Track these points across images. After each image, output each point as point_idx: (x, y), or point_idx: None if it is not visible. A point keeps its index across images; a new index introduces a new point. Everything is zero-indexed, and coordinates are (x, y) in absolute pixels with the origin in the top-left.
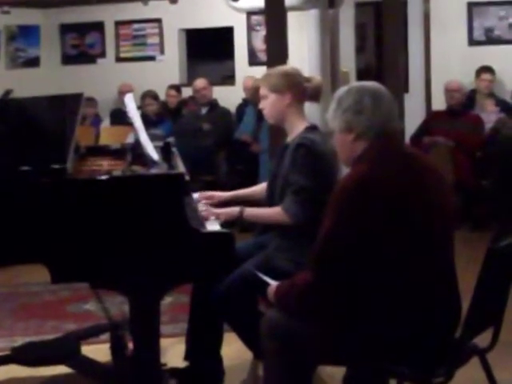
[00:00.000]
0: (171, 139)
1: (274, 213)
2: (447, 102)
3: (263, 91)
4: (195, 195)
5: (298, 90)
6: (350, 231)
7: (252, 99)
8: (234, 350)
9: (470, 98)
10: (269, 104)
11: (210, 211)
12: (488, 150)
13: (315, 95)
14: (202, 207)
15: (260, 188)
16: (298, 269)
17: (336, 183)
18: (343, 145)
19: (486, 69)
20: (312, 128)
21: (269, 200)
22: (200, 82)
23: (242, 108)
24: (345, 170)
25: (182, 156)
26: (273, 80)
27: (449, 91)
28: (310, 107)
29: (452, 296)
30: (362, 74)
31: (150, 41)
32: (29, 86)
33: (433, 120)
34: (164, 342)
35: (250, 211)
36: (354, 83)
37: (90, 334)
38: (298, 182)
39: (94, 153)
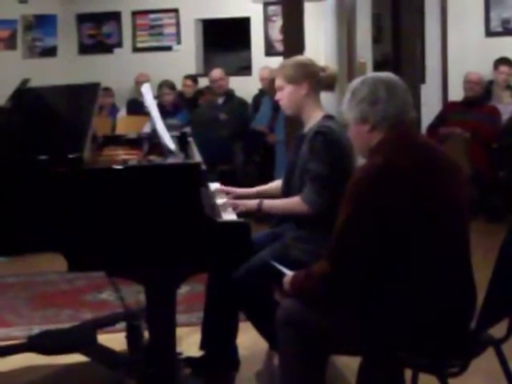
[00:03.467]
0: (187, 129)
1: (292, 203)
2: (466, 93)
3: (279, 82)
4: (212, 186)
5: (314, 79)
6: (365, 222)
7: (268, 90)
8: (249, 340)
9: (487, 90)
10: (286, 95)
11: (227, 201)
12: (504, 141)
13: (330, 84)
14: (218, 198)
15: (279, 184)
16: (314, 259)
17: (352, 173)
18: (359, 136)
19: (505, 61)
20: (329, 117)
21: (285, 189)
22: (216, 73)
23: (258, 98)
24: (361, 161)
25: (198, 146)
26: (289, 71)
27: (468, 83)
28: (325, 98)
29: (467, 287)
30: (378, 65)
31: (166, 31)
32: (46, 76)
33: (449, 111)
34: (180, 331)
35: (269, 203)
36: (368, 74)
37: (106, 322)
38: (315, 170)
39: (110, 142)
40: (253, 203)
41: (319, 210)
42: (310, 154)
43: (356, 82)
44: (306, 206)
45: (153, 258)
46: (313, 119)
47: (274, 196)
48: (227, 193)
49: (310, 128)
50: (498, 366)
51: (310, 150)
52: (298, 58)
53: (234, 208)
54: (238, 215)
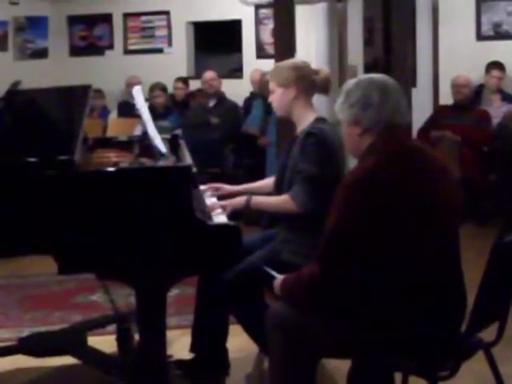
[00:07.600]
0: (179, 131)
1: (281, 201)
2: (454, 96)
3: (271, 85)
4: (202, 187)
5: (305, 82)
6: (355, 225)
7: (260, 92)
8: (239, 343)
9: (478, 93)
10: (276, 98)
11: (217, 203)
12: (495, 144)
13: (325, 87)
14: (208, 200)
15: (268, 182)
16: (305, 261)
17: (343, 174)
18: (350, 137)
19: (497, 65)
20: (321, 119)
21: (276, 192)
22: (209, 74)
23: (249, 101)
24: (352, 162)
25: (189, 148)
26: (280, 74)
27: (456, 86)
28: (318, 101)
29: (458, 290)
30: (369, 68)
31: (158, 33)
32: (37, 78)
33: (440, 114)
34: (170, 334)
35: (257, 200)
36: (363, 76)
37: (97, 325)
38: (306, 169)
39: (101, 145)
40: (241, 200)
41: (307, 209)
42: (302, 154)
43: (350, 83)
44: (294, 204)
45: (143, 260)
46: (304, 121)
47: (266, 194)
48: (217, 189)
49: (301, 130)
50: (488, 369)
51: (302, 150)
52: (293, 60)
53: (223, 209)
54: (229, 217)
